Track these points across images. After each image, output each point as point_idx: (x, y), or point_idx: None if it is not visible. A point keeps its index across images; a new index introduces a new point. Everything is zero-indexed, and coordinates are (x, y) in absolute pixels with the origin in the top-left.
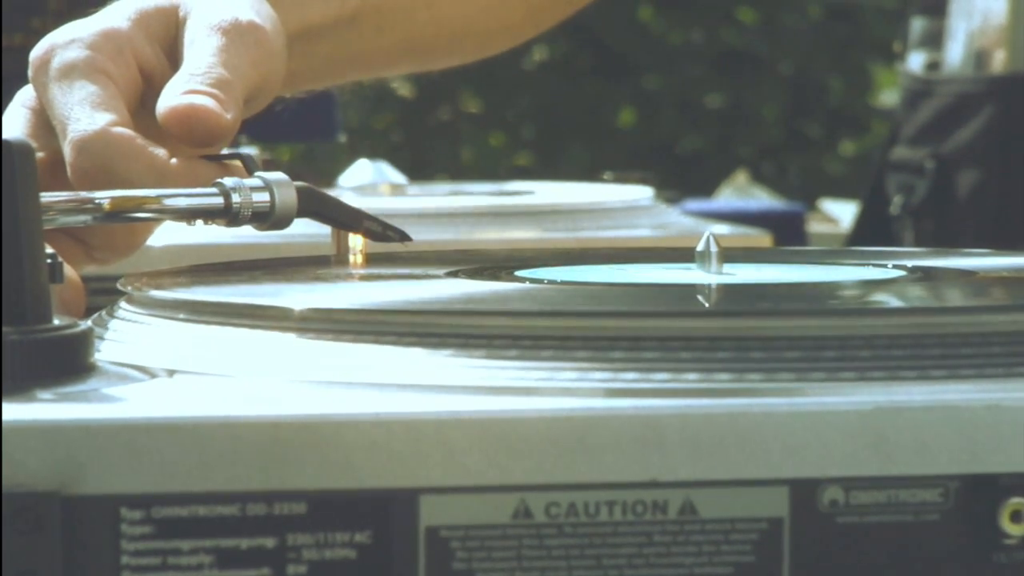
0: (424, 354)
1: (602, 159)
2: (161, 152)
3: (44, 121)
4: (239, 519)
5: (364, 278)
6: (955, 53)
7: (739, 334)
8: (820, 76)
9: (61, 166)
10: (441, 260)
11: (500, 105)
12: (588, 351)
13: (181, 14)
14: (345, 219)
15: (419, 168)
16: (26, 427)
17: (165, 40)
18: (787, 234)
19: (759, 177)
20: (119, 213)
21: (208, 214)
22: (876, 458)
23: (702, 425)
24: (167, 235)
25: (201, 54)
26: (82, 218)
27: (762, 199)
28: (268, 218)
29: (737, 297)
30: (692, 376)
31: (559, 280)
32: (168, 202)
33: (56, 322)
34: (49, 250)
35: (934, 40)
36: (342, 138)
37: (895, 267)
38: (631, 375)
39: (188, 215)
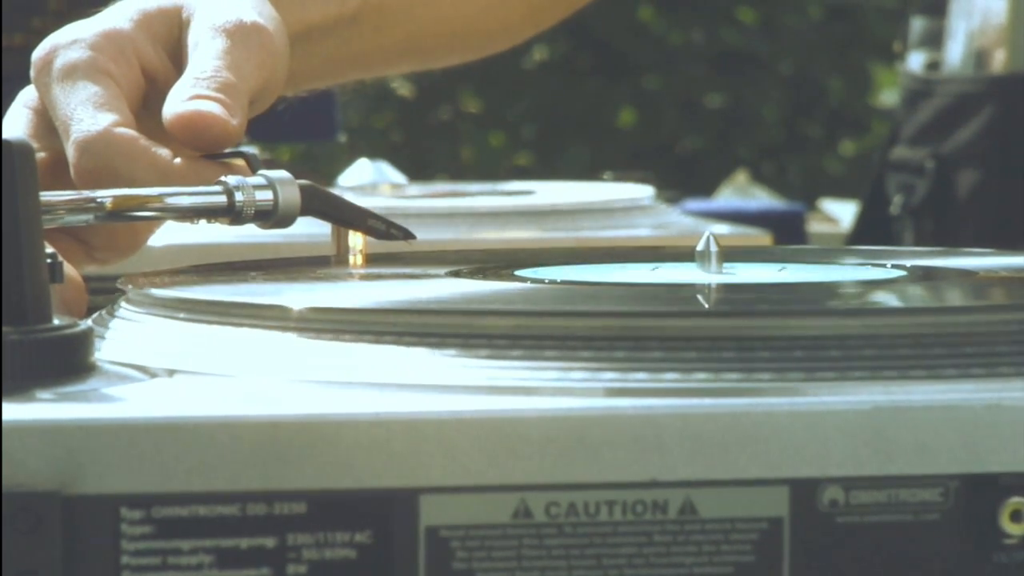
0: (424, 354)
1: (602, 159)
2: (164, 152)
3: (46, 121)
4: (239, 519)
5: (364, 278)
6: (955, 53)
7: (740, 334)
8: (820, 76)
9: (64, 167)
10: (441, 260)
11: (500, 105)
12: (588, 351)
13: (184, 15)
14: (349, 217)
15: (419, 168)
16: (26, 427)
17: (168, 41)
18: (787, 234)
19: (759, 177)
20: (121, 212)
21: (211, 213)
22: (876, 458)
23: (702, 425)
24: (168, 235)
25: (206, 57)
26: (84, 217)
27: (762, 199)
28: (271, 216)
29: (737, 297)
30: (692, 376)
31: (559, 280)
32: (171, 201)
33: (56, 322)
34: (49, 250)
35: (934, 40)
36: (342, 138)
37: (895, 267)
38: (631, 375)
39: (191, 214)
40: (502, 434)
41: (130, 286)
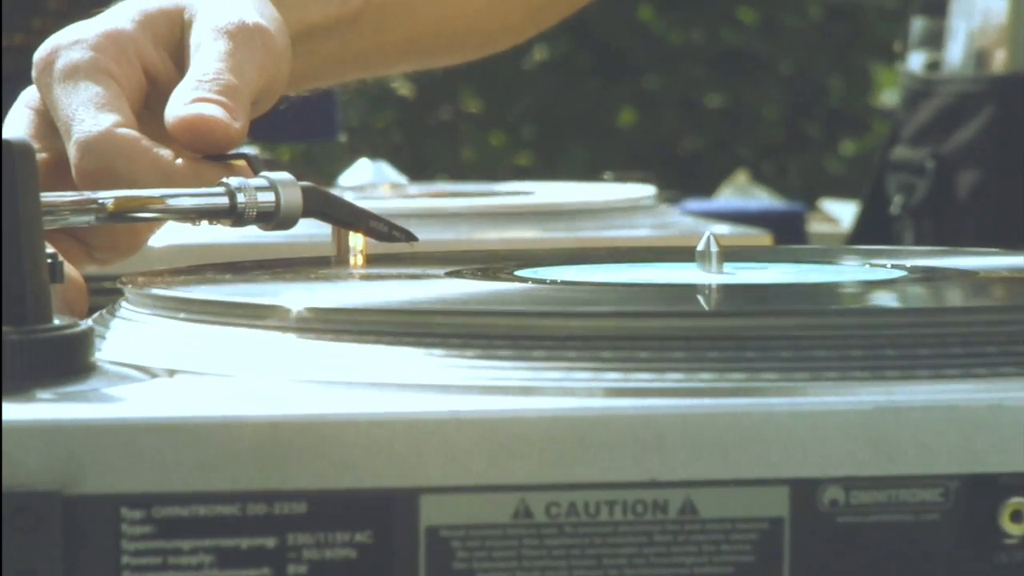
0: (424, 354)
1: (602, 159)
2: (166, 152)
3: (48, 122)
4: (239, 519)
5: (364, 278)
6: (955, 53)
7: (740, 334)
8: (820, 76)
9: (65, 167)
10: (441, 260)
11: (500, 105)
12: (588, 351)
13: (186, 16)
14: (351, 219)
15: (419, 168)
16: (26, 427)
17: (169, 42)
18: (787, 234)
19: (759, 177)
20: (123, 213)
21: (213, 214)
22: (876, 458)
23: (702, 425)
24: (168, 235)
25: (208, 59)
26: (86, 218)
27: (762, 199)
28: (273, 218)
29: (737, 297)
30: (692, 376)
31: (559, 280)
32: (172, 202)
33: (56, 322)
34: (50, 250)
35: (934, 40)
36: (342, 138)
37: (895, 267)
38: (631, 375)
39: (193, 215)
40: (502, 434)
41: (130, 286)
